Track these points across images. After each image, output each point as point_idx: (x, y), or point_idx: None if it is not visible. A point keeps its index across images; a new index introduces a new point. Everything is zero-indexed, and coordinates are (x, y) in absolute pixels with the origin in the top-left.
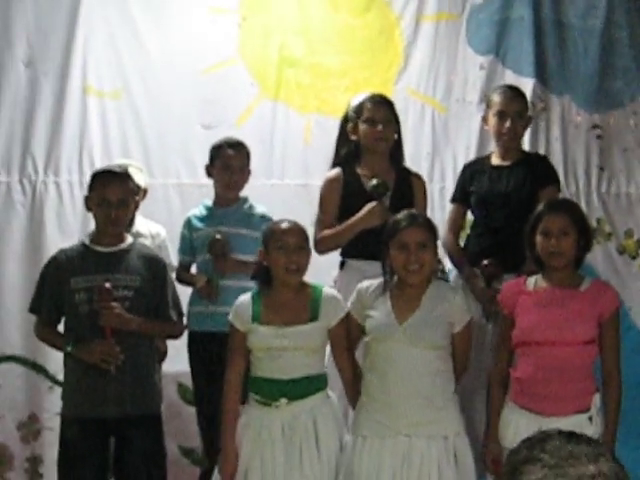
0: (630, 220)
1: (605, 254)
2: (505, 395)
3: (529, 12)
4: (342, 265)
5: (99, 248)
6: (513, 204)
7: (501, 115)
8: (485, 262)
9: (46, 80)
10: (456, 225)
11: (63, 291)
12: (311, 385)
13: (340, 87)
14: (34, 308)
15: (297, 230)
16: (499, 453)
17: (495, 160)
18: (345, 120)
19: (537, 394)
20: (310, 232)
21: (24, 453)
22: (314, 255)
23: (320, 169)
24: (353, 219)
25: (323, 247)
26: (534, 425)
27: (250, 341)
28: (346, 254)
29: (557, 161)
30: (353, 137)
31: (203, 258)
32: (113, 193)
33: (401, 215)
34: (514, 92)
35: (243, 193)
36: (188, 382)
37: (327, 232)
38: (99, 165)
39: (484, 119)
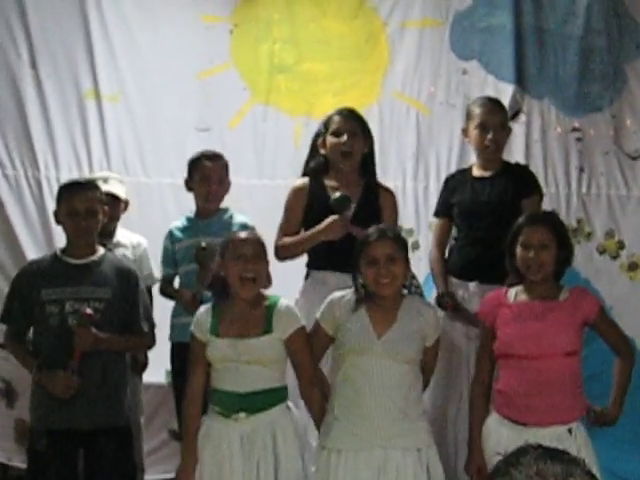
0: (610, 221)
1: (585, 254)
2: (487, 406)
3: (511, 19)
4: (307, 276)
5: (70, 260)
6: (496, 214)
7: (483, 127)
8: (441, 293)
9: (49, 81)
10: (442, 240)
11: (33, 302)
12: (270, 398)
13: (329, 91)
14: (4, 318)
15: (253, 240)
16: (483, 464)
17: (476, 172)
18: (316, 135)
19: (519, 406)
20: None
21: None
22: (282, 265)
23: None
24: (313, 230)
25: (282, 254)
26: (515, 436)
27: (208, 353)
28: (310, 265)
29: (537, 163)
30: (322, 151)
31: (186, 269)
32: (80, 203)
33: (371, 230)
34: (494, 104)
35: (224, 204)
36: None
37: (287, 240)
38: (97, 164)
39: (464, 131)
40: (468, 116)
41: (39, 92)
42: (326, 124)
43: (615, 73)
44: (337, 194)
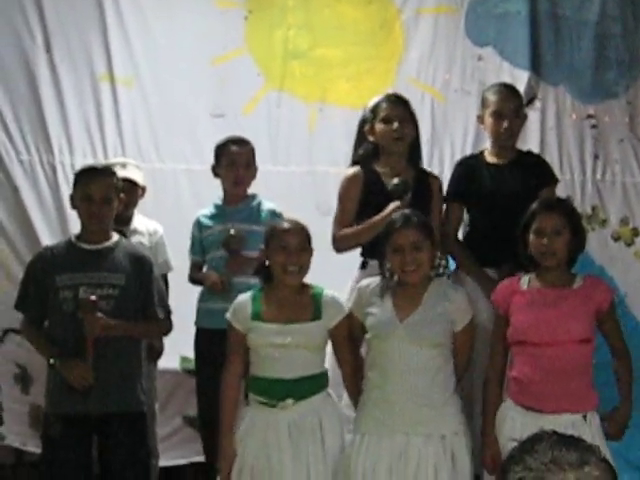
0: (625, 208)
1: (600, 241)
2: (501, 393)
3: (526, 5)
4: (364, 265)
5: (84, 245)
6: (517, 203)
7: (497, 115)
8: (504, 266)
9: (63, 65)
10: (455, 224)
11: (48, 288)
12: (315, 384)
13: (343, 77)
14: (20, 305)
15: (298, 230)
16: (496, 451)
17: (490, 158)
18: (363, 122)
19: (534, 393)
20: (314, 220)
21: None
22: (332, 255)
23: (323, 156)
24: (376, 218)
25: (343, 245)
26: (529, 423)
27: (251, 339)
28: (368, 254)
29: (552, 150)
30: (371, 138)
31: (214, 255)
32: (96, 190)
33: (395, 216)
34: (509, 91)
35: (252, 189)
36: None
37: (347, 230)
38: (112, 150)
39: (480, 118)
40: (483, 103)
41: (53, 76)
42: (373, 111)
43: (631, 60)
44: (396, 180)
